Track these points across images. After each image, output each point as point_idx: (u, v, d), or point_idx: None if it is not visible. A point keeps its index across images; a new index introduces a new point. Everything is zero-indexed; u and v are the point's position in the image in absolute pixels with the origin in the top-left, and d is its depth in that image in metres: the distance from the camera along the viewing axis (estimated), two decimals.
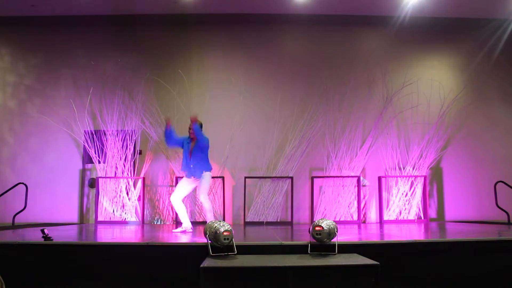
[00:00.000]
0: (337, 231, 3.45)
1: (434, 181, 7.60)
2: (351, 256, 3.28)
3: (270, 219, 7.13)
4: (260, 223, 7.03)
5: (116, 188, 7.13)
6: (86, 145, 7.31)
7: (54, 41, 7.79)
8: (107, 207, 7.06)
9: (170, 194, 7.35)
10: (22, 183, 6.72)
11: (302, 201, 7.45)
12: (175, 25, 7.82)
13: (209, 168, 5.25)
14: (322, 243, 3.45)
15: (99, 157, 7.25)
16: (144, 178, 7.23)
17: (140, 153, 7.38)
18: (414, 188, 7.25)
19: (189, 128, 5.18)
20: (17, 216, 6.62)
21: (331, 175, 7.25)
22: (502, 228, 5.31)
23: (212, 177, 7.20)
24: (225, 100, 7.61)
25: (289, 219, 7.15)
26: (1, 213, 7.17)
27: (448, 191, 7.58)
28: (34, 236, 4.28)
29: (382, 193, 7.21)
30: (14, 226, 6.29)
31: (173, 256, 3.50)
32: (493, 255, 3.65)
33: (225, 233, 3.29)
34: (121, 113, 7.37)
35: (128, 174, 7.22)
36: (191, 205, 7.19)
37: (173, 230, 5.31)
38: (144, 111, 7.38)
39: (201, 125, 5.22)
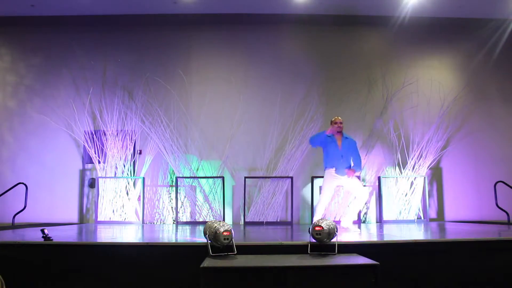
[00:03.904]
0: (337, 231, 3.45)
1: (434, 181, 7.60)
2: (351, 256, 3.28)
3: (270, 219, 7.13)
4: (260, 223, 7.03)
5: (116, 188, 7.13)
6: (86, 145, 7.32)
7: (54, 41, 7.79)
8: (106, 207, 7.07)
9: (170, 194, 7.37)
10: (22, 183, 6.73)
11: (302, 201, 7.45)
12: (175, 25, 7.83)
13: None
14: (322, 243, 3.45)
15: (99, 157, 7.25)
16: (144, 178, 7.23)
17: (140, 153, 7.39)
18: (414, 188, 7.25)
19: (339, 123, 5.33)
20: (17, 216, 6.62)
21: None
22: (502, 228, 5.31)
23: (212, 177, 7.27)
24: (225, 100, 7.61)
25: (289, 219, 7.15)
26: (1, 213, 7.17)
27: (448, 191, 7.58)
28: (34, 236, 4.28)
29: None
30: (14, 226, 6.29)
31: (173, 256, 3.49)
32: (493, 255, 3.65)
33: (225, 233, 3.29)
34: (121, 113, 7.38)
35: (128, 174, 7.23)
36: (192, 205, 7.19)
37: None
38: (144, 111, 7.38)
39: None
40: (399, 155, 7.41)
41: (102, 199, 7.09)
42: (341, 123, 5.39)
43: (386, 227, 5.93)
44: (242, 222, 7.12)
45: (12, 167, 7.50)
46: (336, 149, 5.30)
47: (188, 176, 7.26)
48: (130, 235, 4.78)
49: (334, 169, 5.26)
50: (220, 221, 3.40)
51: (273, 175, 7.26)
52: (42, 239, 3.62)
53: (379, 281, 2.91)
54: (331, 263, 3.04)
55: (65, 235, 4.59)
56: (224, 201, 7.12)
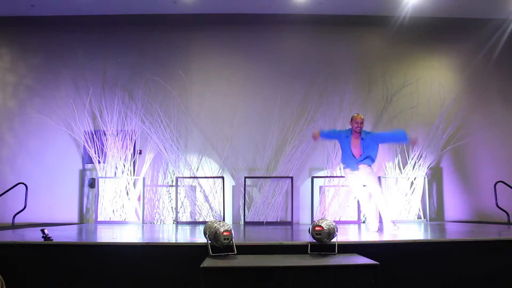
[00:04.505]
0: (337, 231, 3.45)
1: (434, 181, 7.60)
2: (351, 256, 3.28)
3: (270, 219, 7.13)
4: (260, 223, 7.03)
5: (116, 188, 7.13)
6: (86, 145, 7.31)
7: (54, 41, 7.79)
8: (107, 207, 7.07)
9: (170, 194, 7.37)
10: (22, 183, 6.73)
11: (302, 201, 7.45)
12: (175, 25, 7.82)
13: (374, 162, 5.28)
14: (322, 243, 3.45)
15: (99, 157, 7.24)
16: (144, 178, 7.23)
17: (140, 153, 7.38)
18: (414, 188, 7.25)
19: (359, 124, 5.08)
20: (17, 216, 6.62)
21: (331, 175, 7.25)
22: (502, 228, 5.31)
23: (212, 177, 7.27)
24: (225, 100, 7.61)
25: (289, 219, 7.15)
26: (1, 213, 7.17)
27: (448, 191, 7.58)
28: (34, 236, 4.27)
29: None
30: (14, 226, 6.29)
31: (173, 256, 3.49)
32: (493, 255, 3.65)
33: (225, 233, 3.28)
34: (121, 113, 7.37)
35: (128, 174, 7.22)
36: (192, 205, 7.19)
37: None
38: (144, 111, 7.38)
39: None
40: (399, 155, 7.40)
41: (102, 199, 7.09)
42: (361, 123, 5.06)
43: (386, 227, 5.91)
44: (242, 222, 7.12)
45: (12, 167, 7.50)
46: (348, 147, 5.15)
47: (188, 176, 7.26)
48: (130, 235, 4.78)
49: (348, 168, 5.19)
50: (220, 221, 3.40)
51: (273, 175, 7.26)
52: (42, 239, 3.61)
53: (379, 281, 2.91)
54: (331, 263, 3.04)
55: (65, 235, 4.59)
56: (224, 201, 7.12)
